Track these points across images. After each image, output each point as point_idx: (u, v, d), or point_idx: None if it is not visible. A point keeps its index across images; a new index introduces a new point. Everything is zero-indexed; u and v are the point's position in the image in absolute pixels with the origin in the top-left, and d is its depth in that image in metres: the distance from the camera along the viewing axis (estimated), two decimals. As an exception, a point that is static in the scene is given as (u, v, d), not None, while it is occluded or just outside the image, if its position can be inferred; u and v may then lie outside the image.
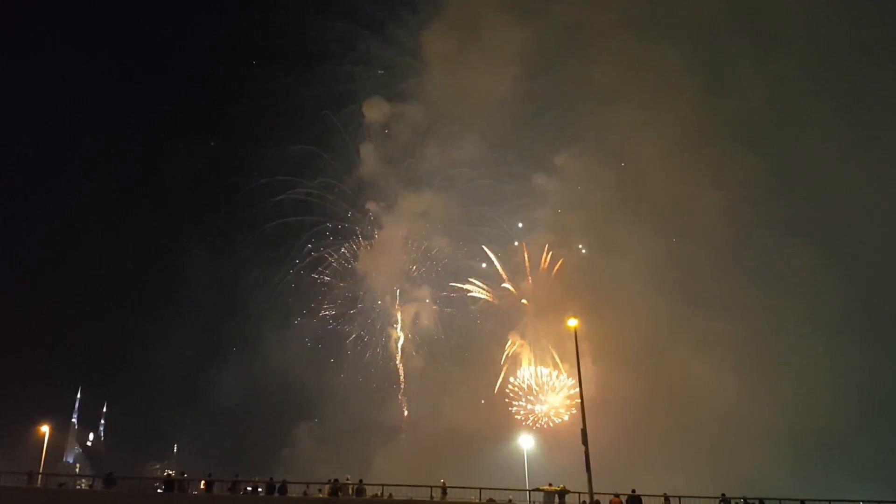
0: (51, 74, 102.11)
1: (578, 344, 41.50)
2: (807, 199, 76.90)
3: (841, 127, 76.04)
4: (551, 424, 78.75)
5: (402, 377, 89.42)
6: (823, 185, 75.23)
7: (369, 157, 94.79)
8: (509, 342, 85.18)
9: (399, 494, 43.07)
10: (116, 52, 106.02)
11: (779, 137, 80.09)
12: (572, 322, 41.73)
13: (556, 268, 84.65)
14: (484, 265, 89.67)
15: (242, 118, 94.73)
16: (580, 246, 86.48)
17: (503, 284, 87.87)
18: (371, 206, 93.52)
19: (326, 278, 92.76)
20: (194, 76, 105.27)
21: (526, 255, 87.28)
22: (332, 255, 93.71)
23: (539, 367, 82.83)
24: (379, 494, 43.33)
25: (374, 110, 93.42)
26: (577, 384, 39.85)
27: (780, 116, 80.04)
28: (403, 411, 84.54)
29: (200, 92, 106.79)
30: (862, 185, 73.09)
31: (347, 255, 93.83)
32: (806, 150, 77.23)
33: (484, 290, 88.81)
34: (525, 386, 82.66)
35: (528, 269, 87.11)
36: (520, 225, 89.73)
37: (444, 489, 42.09)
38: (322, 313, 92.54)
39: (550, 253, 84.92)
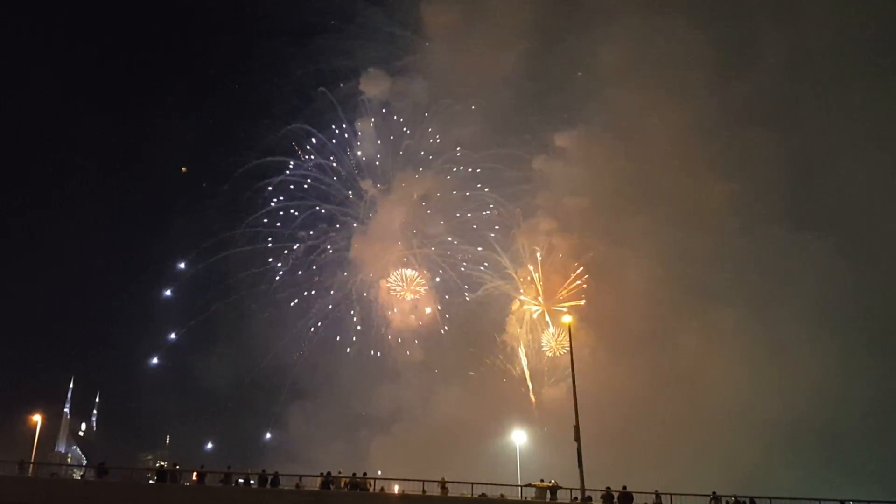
0: (38, 52, 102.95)
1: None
2: (821, 189, 76.96)
3: (865, 113, 75.86)
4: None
5: (397, 367, 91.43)
6: (839, 175, 75.27)
7: (367, 135, 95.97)
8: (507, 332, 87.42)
9: (392, 488, 45.35)
10: (106, 27, 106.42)
11: (796, 121, 79.50)
12: (566, 318, 43.55)
13: (556, 256, 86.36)
14: (482, 250, 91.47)
15: (236, 95, 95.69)
16: (583, 232, 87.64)
17: (504, 272, 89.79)
18: (367, 187, 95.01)
19: (322, 264, 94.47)
20: (187, 51, 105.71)
21: (527, 242, 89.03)
22: (326, 239, 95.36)
23: None
24: (371, 485, 45.55)
25: (373, 85, 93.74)
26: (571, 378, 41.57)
27: (798, 98, 79.60)
28: (399, 402, 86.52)
29: (193, 68, 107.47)
30: (878, 177, 73.33)
31: (342, 238, 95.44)
32: (825, 136, 76.90)
33: (485, 276, 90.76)
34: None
35: (527, 257, 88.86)
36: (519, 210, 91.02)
37: (443, 485, 43.60)
38: (316, 300, 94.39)
39: (552, 240, 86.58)
